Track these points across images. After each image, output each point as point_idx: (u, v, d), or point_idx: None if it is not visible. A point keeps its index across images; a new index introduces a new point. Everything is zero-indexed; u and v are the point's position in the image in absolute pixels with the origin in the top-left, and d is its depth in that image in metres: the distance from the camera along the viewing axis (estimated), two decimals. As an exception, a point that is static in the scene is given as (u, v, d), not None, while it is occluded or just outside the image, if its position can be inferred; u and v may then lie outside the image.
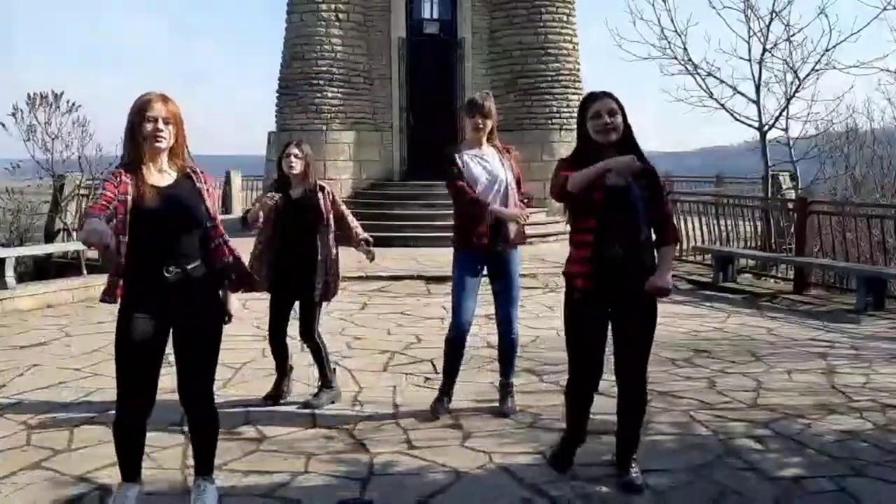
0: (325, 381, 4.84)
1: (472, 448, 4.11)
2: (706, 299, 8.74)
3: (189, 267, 3.09)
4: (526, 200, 4.62)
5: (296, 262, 4.63)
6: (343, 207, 4.86)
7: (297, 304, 4.78)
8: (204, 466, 3.37)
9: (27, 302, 7.99)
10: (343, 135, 14.82)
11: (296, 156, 4.64)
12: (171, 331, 3.17)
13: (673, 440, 4.26)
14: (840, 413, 4.66)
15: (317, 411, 4.69)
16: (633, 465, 3.63)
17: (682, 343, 6.52)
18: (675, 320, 7.50)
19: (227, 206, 18.28)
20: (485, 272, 4.60)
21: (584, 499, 3.52)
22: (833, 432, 4.32)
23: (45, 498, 3.50)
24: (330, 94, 14.77)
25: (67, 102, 12.41)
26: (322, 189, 4.74)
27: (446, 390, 4.66)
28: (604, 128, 3.31)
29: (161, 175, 3.10)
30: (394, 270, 10.10)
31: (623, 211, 3.31)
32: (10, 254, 8.58)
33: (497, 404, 4.75)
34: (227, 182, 19.07)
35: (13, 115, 12.19)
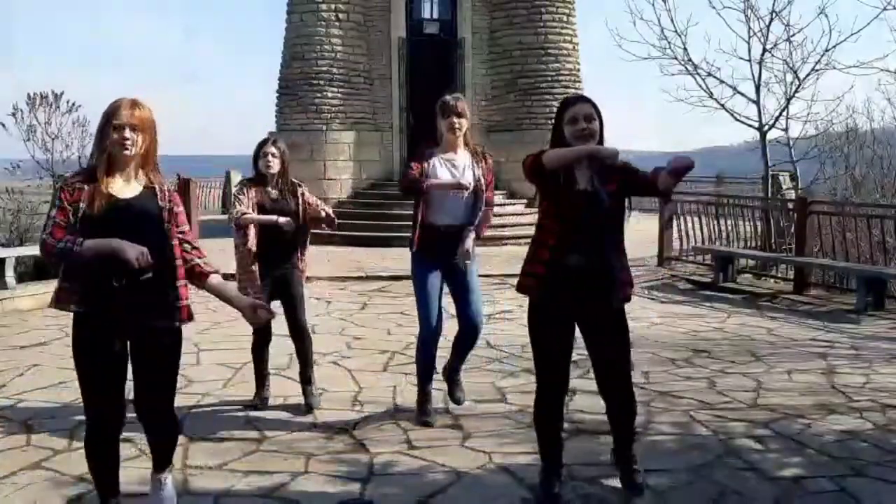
0: (311, 377, 4.84)
1: (472, 448, 4.11)
2: (706, 299, 8.74)
3: (141, 279, 2.90)
4: (489, 211, 4.48)
5: (278, 263, 4.62)
6: (313, 199, 4.76)
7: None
8: (162, 464, 3.26)
9: (27, 302, 8.00)
10: (343, 135, 14.82)
11: (273, 154, 4.57)
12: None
13: (673, 440, 4.26)
14: (840, 413, 4.66)
15: (316, 411, 4.69)
16: (634, 464, 3.58)
17: (682, 343, 6.52)
18: (675, 320, 7.51)
19: (227, 204, 18.29)
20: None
21: (583, 499, 3.53)
22: (833, 432, 4.32)
23: (45, 498, 3.50)
24: (330, 94, 14.77)
25: (67, 102, 12.43)
26: (299, 186, 4.72)
27: (426, 399, 4.57)
28: (581, 133, 3.25)
29: (125, 185, 2.96)
30: (394, 270, 10.08)
31: (592, 217, 3.25)
32: (10, 254, 8.57)
33: (495, 403, 4.74)
34: (227, 182, 19.10)
35: (13, 115, 12.20)
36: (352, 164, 14.93)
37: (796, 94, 11.75)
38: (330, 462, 3.92)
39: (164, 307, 3.00)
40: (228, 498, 3.50)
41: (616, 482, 3.62)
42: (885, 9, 10.64)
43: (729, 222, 10.96)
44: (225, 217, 15.97)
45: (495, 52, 15.42)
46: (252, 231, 4.55)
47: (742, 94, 11.89)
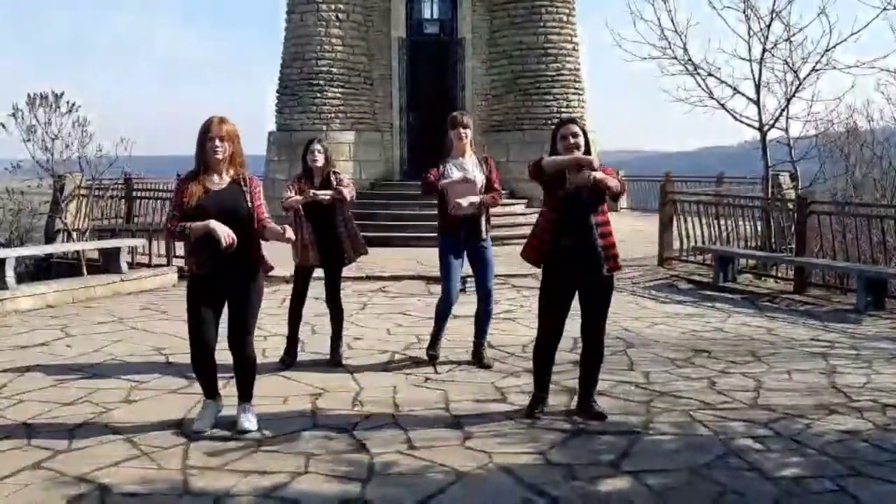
0: (340, 343, 5.95)
1: (472, 448, 4.11)
2: (706, 299, 8.73)
3: (228, 251, 4.06)
4: (496, 194, 5.64)
5: (320, 238, 5.67)
6: (343, 181, 5.75)
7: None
8: (243, 396, 4.42)
9: (27, 302, 7.99)
10: (343, 135, 14.82)
11: (318, 151, 5.78)
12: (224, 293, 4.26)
13: (673, 440, 4.26)
14: (840, 413, 4.66)
15: (317, 411, 4.70)
16: (594, 399, 4.58)
17: (682, 343, 6.52)
18: (675, 320, 7.51)
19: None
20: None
21: (583, 499, 3.53)
22: (833, 432, 4.32)
23: (45, 498, 3.50)
24: (330, 94, 14.77)
25: (67, 103, 12.40)
26: (335, 173, 5.80)
27: (438, 335, 5.87)
28: (568, 146, 4.40)
29: (218, 179, 4.18)
30: (394, 270, 10.10)
31: (576, 208, 4.36)
32: (11, 254, 8.56)
33: (495, 403, 4.78)
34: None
35: (13, 115, 12.17)
36: (352, 164, 14.93)
37: (796, 94, 11.73)
38: (330, 462, 3.92)
39: (248, 263, 4.20)
40: (228, 498, 3.50)
41: (616, 482, 3.63)
42: (885, 9, 10.62)
43: (729, 222, 10.96)
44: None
45: (495, 52, 15.43)
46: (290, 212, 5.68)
47: (742, 94, 11.87)
